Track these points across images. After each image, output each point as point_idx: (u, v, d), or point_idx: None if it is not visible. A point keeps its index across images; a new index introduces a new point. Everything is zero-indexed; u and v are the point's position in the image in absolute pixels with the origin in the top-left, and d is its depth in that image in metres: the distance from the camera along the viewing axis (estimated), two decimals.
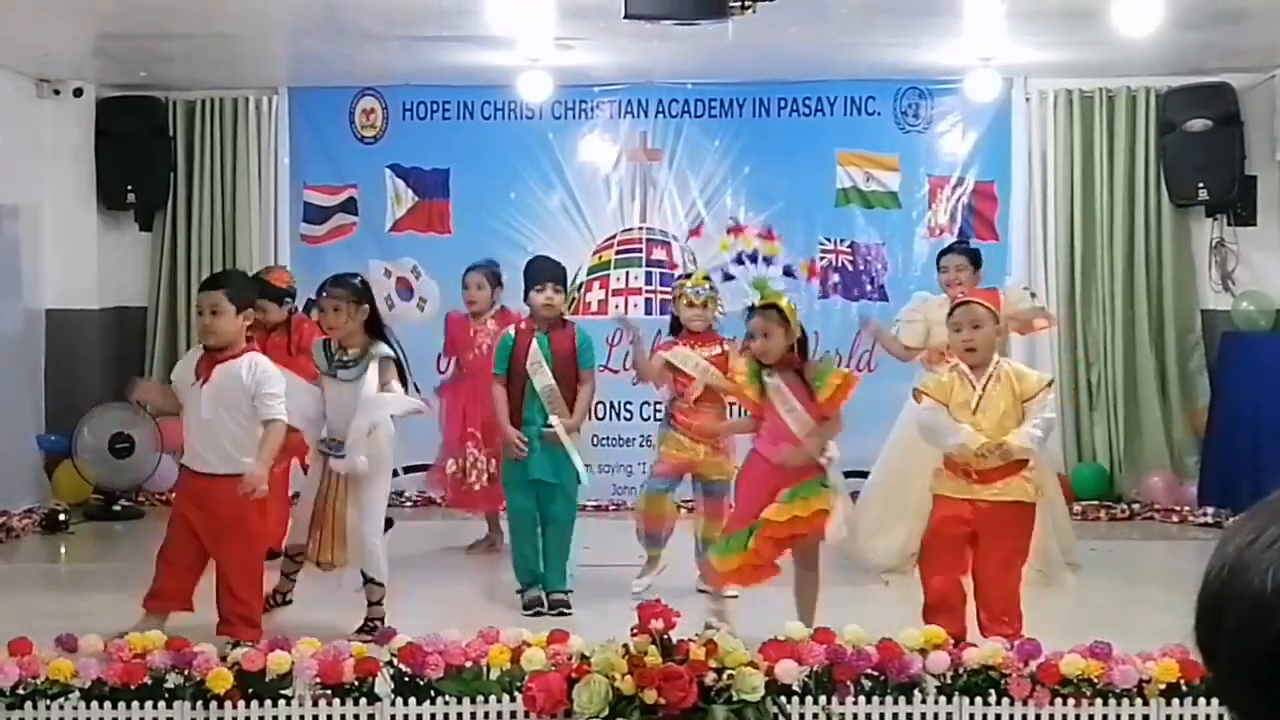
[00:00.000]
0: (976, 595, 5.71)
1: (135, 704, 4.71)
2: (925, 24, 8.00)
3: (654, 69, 9.40)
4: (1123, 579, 7.56)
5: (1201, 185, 9.38)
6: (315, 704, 4.78)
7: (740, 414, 6.42)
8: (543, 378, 6.66)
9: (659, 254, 9.79)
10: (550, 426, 6.64)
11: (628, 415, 9.57)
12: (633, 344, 7.38)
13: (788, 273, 6.01)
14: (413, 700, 4.78)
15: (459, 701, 4.77)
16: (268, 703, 4.76)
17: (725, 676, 4.66)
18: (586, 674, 4.66)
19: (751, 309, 5.97)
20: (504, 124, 9.85)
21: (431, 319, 9.36)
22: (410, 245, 9.93)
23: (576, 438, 6.79)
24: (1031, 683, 4.81)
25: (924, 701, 4.84)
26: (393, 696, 4.80)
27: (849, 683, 4.81)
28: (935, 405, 5.68)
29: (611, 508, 9.21)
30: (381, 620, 6.03)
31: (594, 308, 9.70)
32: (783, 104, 9.77)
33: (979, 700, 4.82)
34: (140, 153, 9.82)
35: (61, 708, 4.69)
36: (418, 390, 7.66)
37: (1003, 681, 4.83)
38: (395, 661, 4.82)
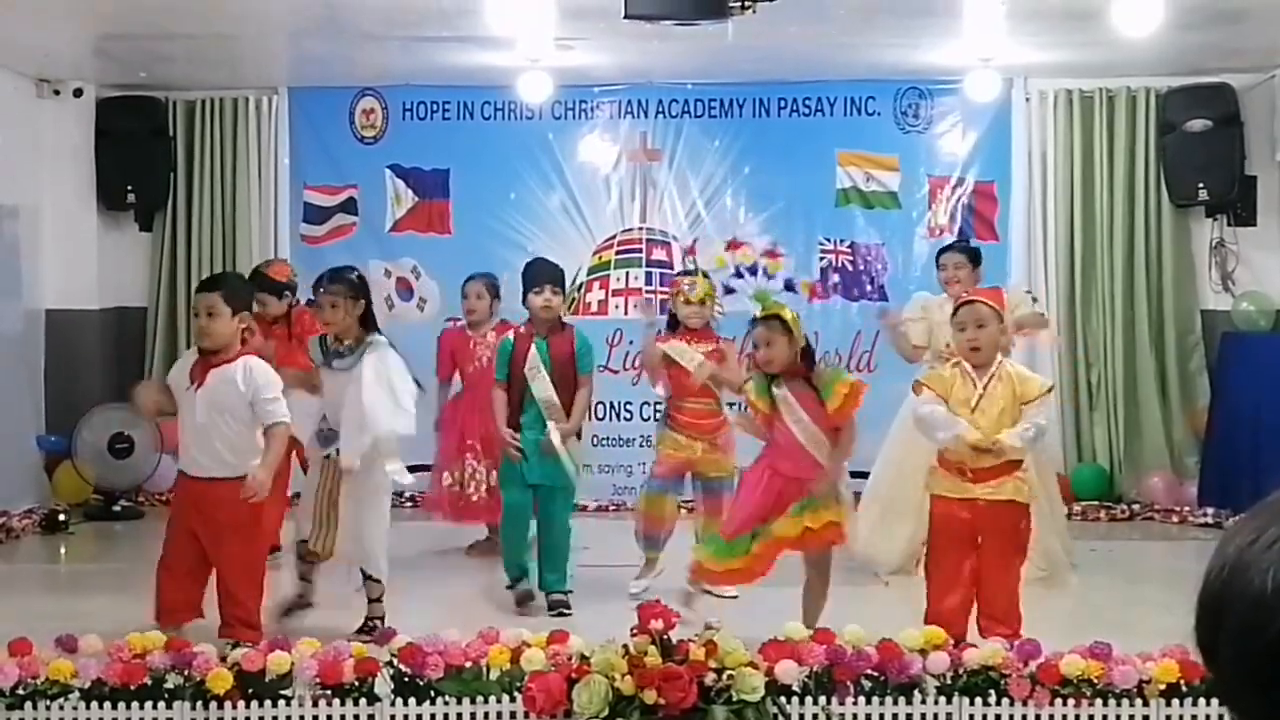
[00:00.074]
0: (976, 596, 5.71)
1: (135, 704, 4.70)
2: (925, 24, 8.00)
3: (654, 69, 9.40)
4: (1123, 579, 7.56)
5: (1201, 185, 9.38)
6: (315, 704, 4.78)
7: (741, 409, 6.39)
8: (541, 385, 6.64)
9: (659, 254, 9.79)
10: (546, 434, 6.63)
11: (628, 415, 9.57)
12: (648, 326, 7.33)
13: (789, 287, 6.04)
14: (412, 700, 4.78)
15: (459, 702, 4.77)
16: (268, 703, 4.76)
17: (725, 677, 4.66)
18: (586, 674, 4.66)
19: (755, 320, 5.98)
20: (504, 124, 9.86)
21: (431, 319, 9.36)
22: (410, 245, 9.93)
23: (574, 442, 6.78)
24: (1031, 683, 4.81)
25: (924, 702, 4.84)
26: (393, 697, 4.80)
27: (849, 683, 4.81)
28: (934, 399, 5.69)
29: (611, 508, 9.22)
30: (382, 619, 6.03)
31: (594, 308, 9.71)
32: (783, 104, 9.77)
33: (979, 701, 4.82)
34: (140, 153, 9.82)
35: (61, 708, 4.69)
36: (419, 386, 7.68)
37: (1003, 682, 4.83)
38: (395, 662, 4.82)
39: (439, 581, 7.30)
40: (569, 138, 9.91)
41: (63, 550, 8.53)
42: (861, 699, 4.82)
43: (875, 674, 4.84)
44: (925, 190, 9.74)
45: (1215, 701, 4.54)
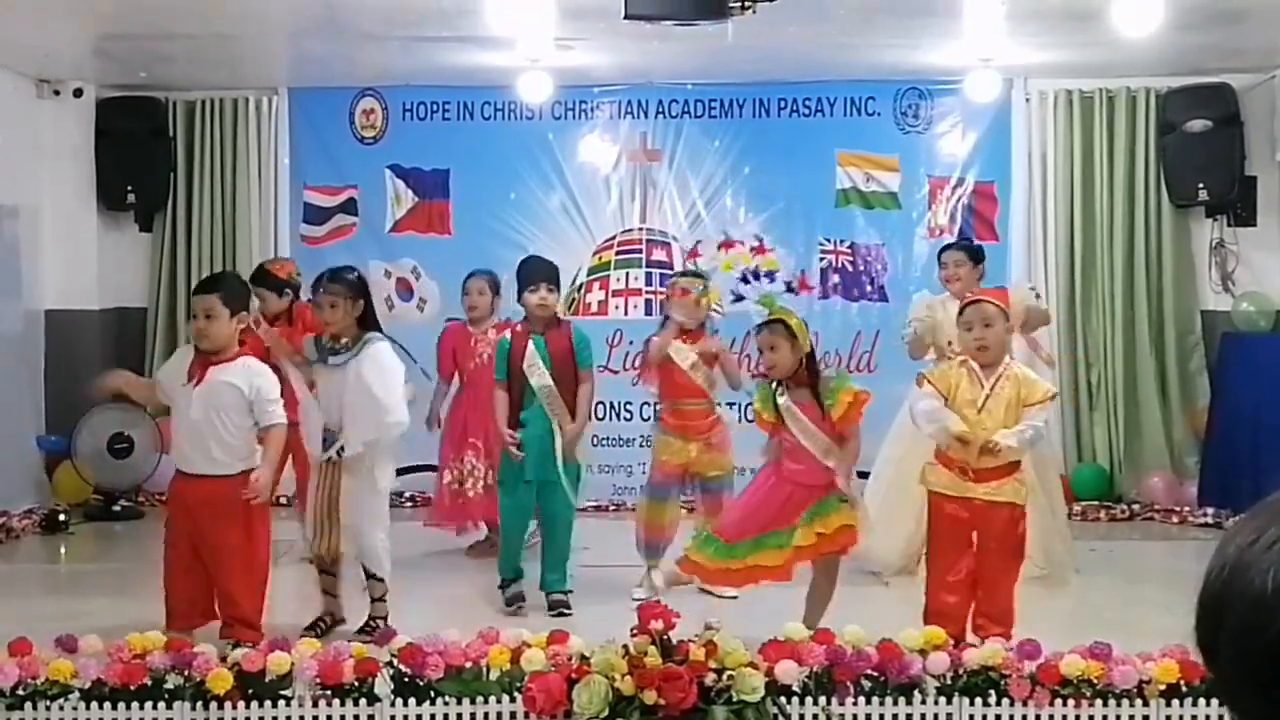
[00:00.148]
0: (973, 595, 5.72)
1: (135, 705, 4.70)
2: (925, 24, 8.00)
3: (654, 69, 9.40)
4: (1123, 579, 7.55)
5: (1201, 186, 9.39)
6: (315, 705, 4.78)
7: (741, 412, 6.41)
8: (539, 378, 6.64)
9: (659, 254, 9.79)
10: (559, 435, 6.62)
11: (628, 415, 9.56)
12: (665, 320, 7.27)
13: (791, 289, 6.04)
14: (412, 701, 4.78)
15: (459, 702, 4.77)
16: (267, 703, 4.76)
17: (725, 677, 4.66)
18: (586, 674, 4.66)
19: (760, 325, 5.97)
20: (504, 124, 9.86)
21: (431, 320, 9.36)
22: (410, 246, 9.93)
23: (580, 450, 6.79)
24: (1031, 683, 4.81)
25: (924, 702, 4.84)
26: (392, 697, 4.80)
27: (849, 683, 4.80)
28: (933, 394, 5.71)
29: (611, 508, 9.22)
30: (385, 618, 6.03)
31: (594, 308, 9.71)
32: (783, 104, 9.77)
33: (979, 701, 4.81)
34: (140, 153, 9.82)
35: (61, 708, 4.69)
36: (426, 376, 7.70)
37: (1003, 682, 4.83)
38: (395, 662, 4.82)
39: (439, 581, 7.31)
40: (569, 138, 9.91)
41: (63, 550, 8.52)
42: (861, 699, 4.82)
43: (875, 674, 4.84)
44: (925, 190, 9.74)
45: (1215, 702, 4.54)
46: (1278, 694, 1.12)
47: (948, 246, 7.78)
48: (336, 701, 4.77)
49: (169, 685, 4.73)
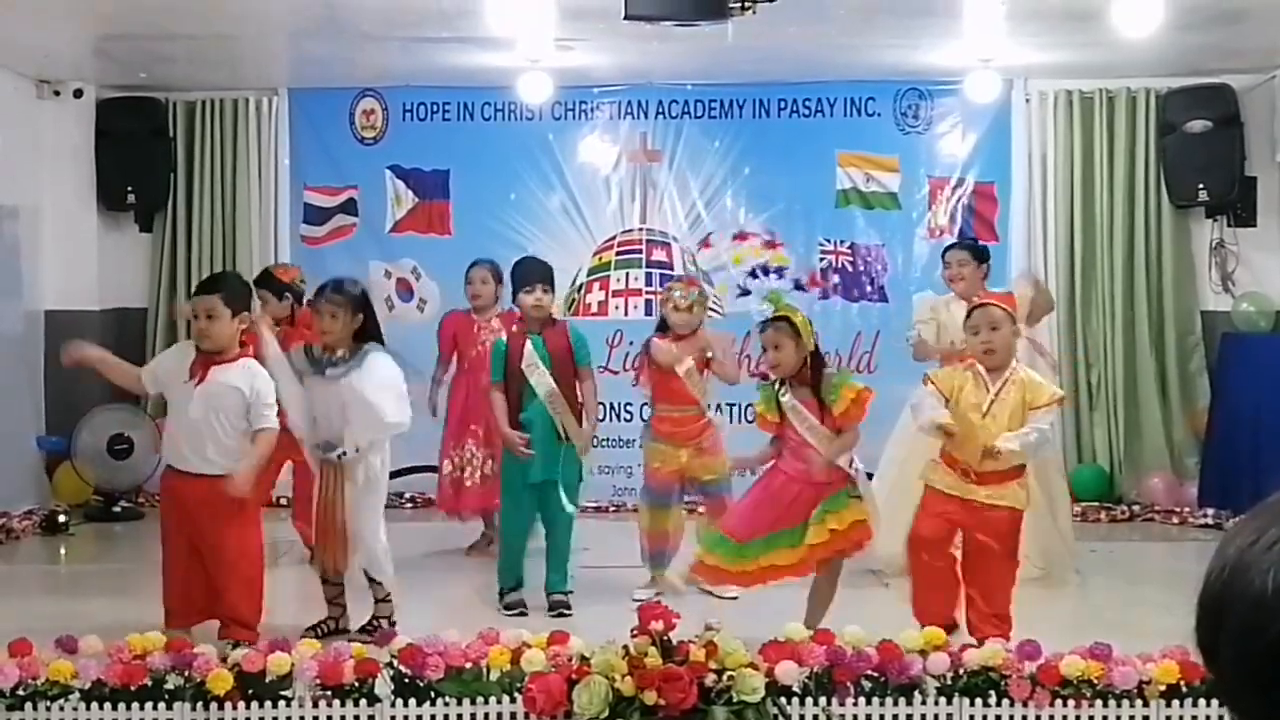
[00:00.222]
0: (967, 598, 5.72)
1: (135, 705, 4.70)
2: (925, 25, 8.00)
3: (654, 70, 9.40)
4: (1123, 580, 7.55)
5: (1201, 186, 9.38)
6: (315, 705, 4.78)
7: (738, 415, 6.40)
8: (541, 380, 6.63)
9: (659, 255, 9.79)
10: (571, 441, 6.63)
11: (628, 416, 9.55)
12: (661, 323, 7.27)
13: (799, 287, 6.04)
14: (413, 701, 4.78)
15: (459, 703, 4.78)
16: (268, 704, 4.76)
17: (725, 678, 4.66)
18: (586, 675, 4.66)
19: (764, 322, 5.96)
20: (504, 125, 9.85)
21: (431, 320, 9.34)
22: (410, 246, 9.93)
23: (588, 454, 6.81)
24: (1031, 684, 4.81)
25: (924, 703, 4.84)
26: (393, 698, 4.80)
27: (849, 684, 4.81)
28: (935, 394, 5.72)
29: (611, 509, 9.22)
30: (388, 618, 6.02)
31: (594, 309, 9.71)
32: (783, 105, 9.77)
33: (979, 701, 4.82)
34: (140, 153, 9.82)
35: (61, 709, 4.69)
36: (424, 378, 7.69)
37: (1003, 683, 4.83)
38: (395, 663, 4.82)
39: (439, 582, 7.30)
40: (569, 138, 9.91)
41: (63, 551, 8.52)
42: (861, 700, 4.82)
43: (875, 675, 4.84)
44: (925, 191, 9.74)
45: (1215, 702, 4.54)
46: (1278, 694, 1.12)
47: (951, 246, 7.78)
48: (336, 702, 4.77)
49: (169, 686, 4.74)
